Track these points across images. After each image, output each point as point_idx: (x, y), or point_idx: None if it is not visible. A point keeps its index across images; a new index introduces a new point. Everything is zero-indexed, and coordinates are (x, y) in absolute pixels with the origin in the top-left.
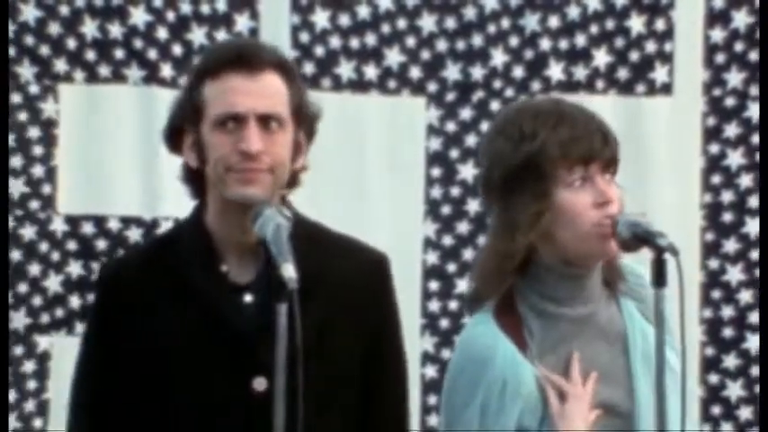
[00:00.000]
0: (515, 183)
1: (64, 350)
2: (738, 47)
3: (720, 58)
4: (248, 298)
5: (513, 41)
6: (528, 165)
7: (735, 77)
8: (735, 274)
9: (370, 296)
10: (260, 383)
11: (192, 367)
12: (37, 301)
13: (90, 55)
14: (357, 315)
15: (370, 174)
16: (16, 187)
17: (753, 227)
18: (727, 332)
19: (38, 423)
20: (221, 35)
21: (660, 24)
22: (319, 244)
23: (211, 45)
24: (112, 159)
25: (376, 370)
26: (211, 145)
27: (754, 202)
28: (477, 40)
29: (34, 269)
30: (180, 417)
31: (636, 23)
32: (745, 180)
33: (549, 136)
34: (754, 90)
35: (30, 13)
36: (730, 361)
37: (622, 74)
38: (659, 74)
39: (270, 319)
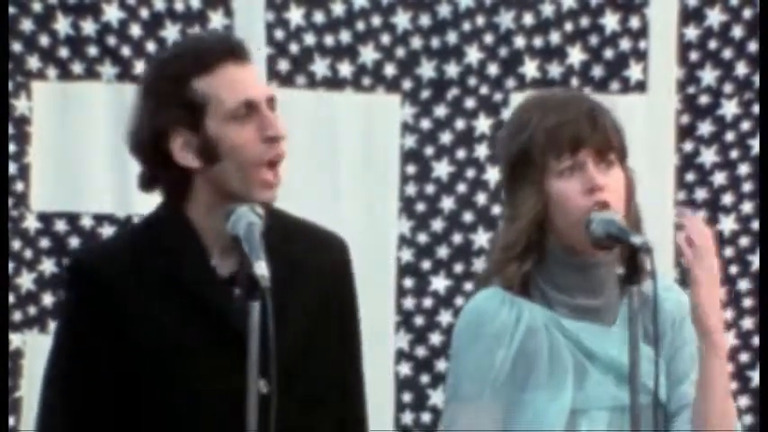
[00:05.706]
0: (516, 174)
1: (36, 348)
2: (712, 45)
3: (694, 55)
4: (237, 291)
5: (488, 39)
6: (521, 155)
7: (708, 75)
8: None
9: (340, 285)
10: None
11: (189, 364)
12: (9, 298)
13: (63, 52)
14: (335, 307)
15: (345, 171)
16: None
17: (726, 224)
18: None
19: (10, 421)
20: (195, 32)
21: (634, 22)
22: (293, 236)
23: (172, 47)
24: (85, 157)
25: (347, 362)
26: (230, 139)
27: (727, 199)
28: (452, 38)
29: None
30: (176, 414)
31: (610, 21)
32: (719, 178)
33: (537, 124)
34: (728, 88)
35: None
36: None
37: (597, 71)
38: (633, 71)
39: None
